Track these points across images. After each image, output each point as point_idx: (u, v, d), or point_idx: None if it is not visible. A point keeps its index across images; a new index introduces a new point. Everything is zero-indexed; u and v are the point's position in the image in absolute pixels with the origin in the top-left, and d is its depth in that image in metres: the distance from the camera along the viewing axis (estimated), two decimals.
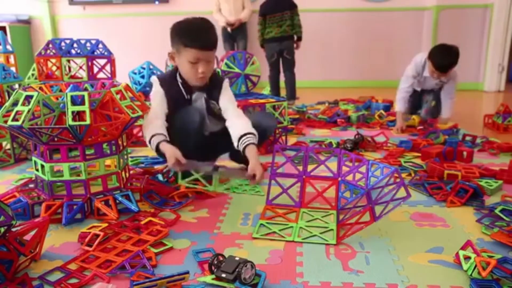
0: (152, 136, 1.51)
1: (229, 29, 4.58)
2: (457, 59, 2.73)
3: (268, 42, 3.99)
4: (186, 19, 1.63)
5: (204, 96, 1.70)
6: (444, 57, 2.73)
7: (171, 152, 1.45)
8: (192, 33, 1.56)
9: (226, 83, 1.75)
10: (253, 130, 1.58)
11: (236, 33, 4.67)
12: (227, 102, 1.70)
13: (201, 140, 1.66)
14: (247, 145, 1.52)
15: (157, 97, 1.65)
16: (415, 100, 3.13)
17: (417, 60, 2.92)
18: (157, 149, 1.52)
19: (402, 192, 1.28)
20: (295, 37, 3.98)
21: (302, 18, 3.96)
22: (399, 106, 2.96)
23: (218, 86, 1.72)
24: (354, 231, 1.28)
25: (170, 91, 1.66)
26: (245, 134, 1.55)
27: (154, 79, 1.69)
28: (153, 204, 1.55)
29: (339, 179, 1.51)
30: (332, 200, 1.52)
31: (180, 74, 1.68)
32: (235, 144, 1.58)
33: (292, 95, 4.10)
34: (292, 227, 1.37)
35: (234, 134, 1.59)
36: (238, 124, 1.61)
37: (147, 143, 1.55)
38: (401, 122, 2.86)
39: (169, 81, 1.67)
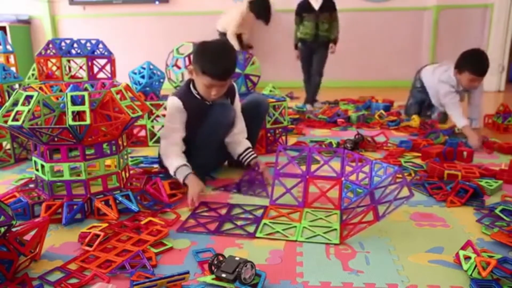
0: (178, 167, 1.63)
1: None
2: None
3: None
4: (210, 43, 1.67)
5: (228, 101, 1.81)
6: (482, 61, 2.60)
7: (195, 188, 1.57)
8: (210, 62, 1.60)
9: (236, 91, 1.88)
10: (251, 145, 1.87)
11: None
12: (239, 112, 1.87)
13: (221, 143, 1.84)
14: (255, 157, 1.83)
15: (177, 120, 1.69)
16: (425, 102, 3.12)
17: (444, 79, 2.72)
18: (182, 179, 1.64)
19: (405, 192, 1.28)
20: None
21: None
22: (462, 120, 2.51)
23: (232, 94, 1.84)
24: (357, 231, 1.28)
25: (191, 105, 1.71)
26: (249, 148, 1.84)
27: (175, 101, 1.69)
28: (144, 206, 1.53)
29: (343, 179, 1.51)
30: (335, 200, 1.52)
31: (194, 87, 1.73)
32: (238, 153, 1.84)
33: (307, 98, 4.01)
34: (295, 226, 1.38)
35: (239, 147, 1.84)
36: (243, 139, 1.86)
37: (169, 170, 1.67)
38: (476, 135, 2.38)
39: (189, 98, 1.72)
